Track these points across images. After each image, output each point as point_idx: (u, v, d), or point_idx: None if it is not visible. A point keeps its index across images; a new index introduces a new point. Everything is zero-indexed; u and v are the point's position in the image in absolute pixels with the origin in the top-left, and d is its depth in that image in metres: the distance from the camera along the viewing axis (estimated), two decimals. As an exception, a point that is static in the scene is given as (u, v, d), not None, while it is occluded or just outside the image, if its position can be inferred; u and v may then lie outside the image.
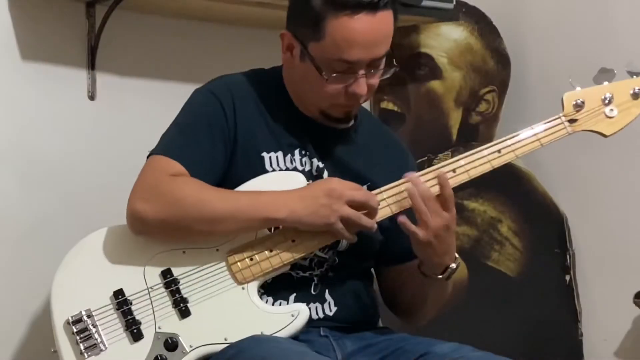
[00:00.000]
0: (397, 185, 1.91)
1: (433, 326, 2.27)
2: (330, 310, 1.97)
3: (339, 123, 1.99)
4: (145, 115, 2.57)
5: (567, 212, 3.01)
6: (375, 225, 1.89)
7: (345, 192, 1.86)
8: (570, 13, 3.00)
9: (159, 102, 2.52)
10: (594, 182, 2.97)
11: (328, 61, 1.88)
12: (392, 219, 1.96)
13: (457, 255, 1.94)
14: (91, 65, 2.51)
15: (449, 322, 2.66)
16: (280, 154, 1.97)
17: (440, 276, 1.93)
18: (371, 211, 1.88)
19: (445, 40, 3.04)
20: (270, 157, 1.96)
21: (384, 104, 3.00)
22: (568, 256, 3.00)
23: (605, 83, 2.02)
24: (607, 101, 2.02)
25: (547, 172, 3.05)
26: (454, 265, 1.93)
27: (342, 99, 1.92)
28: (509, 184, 3.03)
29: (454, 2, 2.80)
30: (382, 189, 1.92)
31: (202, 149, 1.94)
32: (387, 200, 1.91)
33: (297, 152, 1.98)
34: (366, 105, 2.90)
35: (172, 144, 1.96)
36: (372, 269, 2.12)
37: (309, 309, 1.93)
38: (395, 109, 3.01)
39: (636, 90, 2.02)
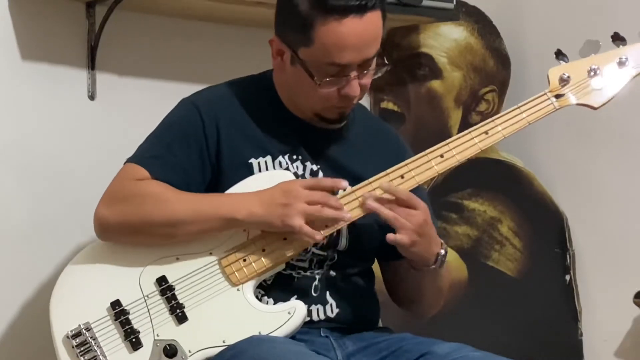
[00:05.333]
0: (353, 192, 1.90)
1: (433, 326, 2.27)
2: (332, 312, 1.97)
3: (333, 124, 1.99)
4: (146, 115, 2.54)
5: (567, 212, 3.01)
6: (346, 216, 1.88)
7: (302, 191, 1.86)
8: (571, 13, 3.00)
9: (159, 102, 2.50)
10: (594, 182, 2.97)
11: (319, 65, 1.87)
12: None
13: (442, 241, 1.95)
14: (91, 65, 2.50)
15: (449, 322, 2.66)
16: (269, 158, 1.96)
17: (433, 266, 1.93)
18: (332, 207, 1.87)
19: (445, 40, 3.04)
20: (259, 163, 1.96)
21: (384, 104, 3.00)
22: (568, 256, 2.99)
23: (592, 55, 1.98)
24: (593, 73, 1.96)
25: (547, 172, 3.05)
26: (442, 251, 1.93)
27: (335, 101, 1.92)
28: (509, 184, 3.03)
29: (454, 2, 2.80)
30: (341, 194, 1.91)
31: (173, 157, 1.94)
32: (353, 202, 1.90)
33: (287, 156, 1.98)
34: (366, 105, 2.91)
35: (144, 152, 1.98)
36: (377, 267, 2.12)
37: (310, 310, 1.93)
38: (395, 109, 3.01)
39: (622, 60, 1.97)
